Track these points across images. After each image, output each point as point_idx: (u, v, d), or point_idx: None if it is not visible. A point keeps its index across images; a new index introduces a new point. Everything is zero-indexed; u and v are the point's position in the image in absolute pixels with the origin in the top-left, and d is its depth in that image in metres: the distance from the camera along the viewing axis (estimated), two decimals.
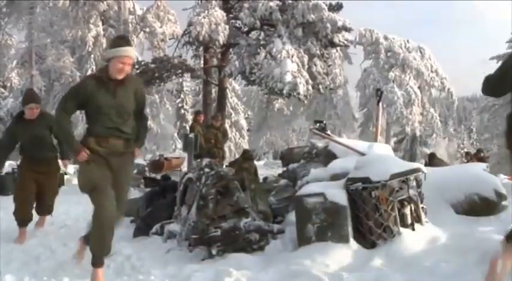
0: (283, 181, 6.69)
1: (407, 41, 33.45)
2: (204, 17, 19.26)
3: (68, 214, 8.35)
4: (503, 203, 5.22)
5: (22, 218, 6.12)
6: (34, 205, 6.38)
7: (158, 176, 10.97)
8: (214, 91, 25.64)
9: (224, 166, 9.93)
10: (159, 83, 23.40)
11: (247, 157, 11.07)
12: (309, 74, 19.35)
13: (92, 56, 28.98)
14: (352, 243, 4.26)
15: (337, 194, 4.39)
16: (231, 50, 22.51)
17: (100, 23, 27.32)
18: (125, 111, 4.14)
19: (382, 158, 4.90)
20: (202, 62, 23.80)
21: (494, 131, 30.79)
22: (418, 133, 33.35)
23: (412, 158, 31.24)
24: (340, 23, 19.69)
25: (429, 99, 34.88)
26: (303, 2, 19.28)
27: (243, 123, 38.16)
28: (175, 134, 38.89)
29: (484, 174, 5.46)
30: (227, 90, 26.25)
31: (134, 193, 11.05)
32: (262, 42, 20.12)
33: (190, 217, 5.26)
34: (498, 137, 30.52)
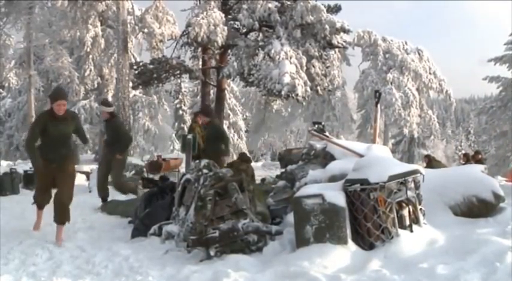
0: (281, 182, 6.69)
1: (406, 43, 33.41)
2: (202, 18, 19.26)
3: None
4: (501, 204, 5.23)
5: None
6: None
7: (156, 177, 10.95)
8: (212, 92, 25.65)
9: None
10: (158, 84, 23.43)
11: (244, 159, 11.06)
12: (308, 76, 19.35)
13: (90, 56, 28.95)
14: (351, 244, 4.26)
15: (336, 196, 4.39)
16: (229, 51, 22.54)
17: (98, 24, 27.24)
18: None
19: (380, 160, 4.90)
20: (200, 63, 23.81)
21: (492, 133, 30.76)
22: (416, 135, 33.38)
23: (410, 159, 31.30)
24: (338, 25, 19.71)
25: (427, 101, 34.92)
26: (301, 3, 19.28)
27: (241, 124, 38.14)
28: (174, 135, 38.90)
29: (482, 176, 5.45)
30: (225, 91, 26.23)
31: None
32: (260, 43, 20.13)
33: (188, 218, 5.26)
34: (496, 138, 30.54)
